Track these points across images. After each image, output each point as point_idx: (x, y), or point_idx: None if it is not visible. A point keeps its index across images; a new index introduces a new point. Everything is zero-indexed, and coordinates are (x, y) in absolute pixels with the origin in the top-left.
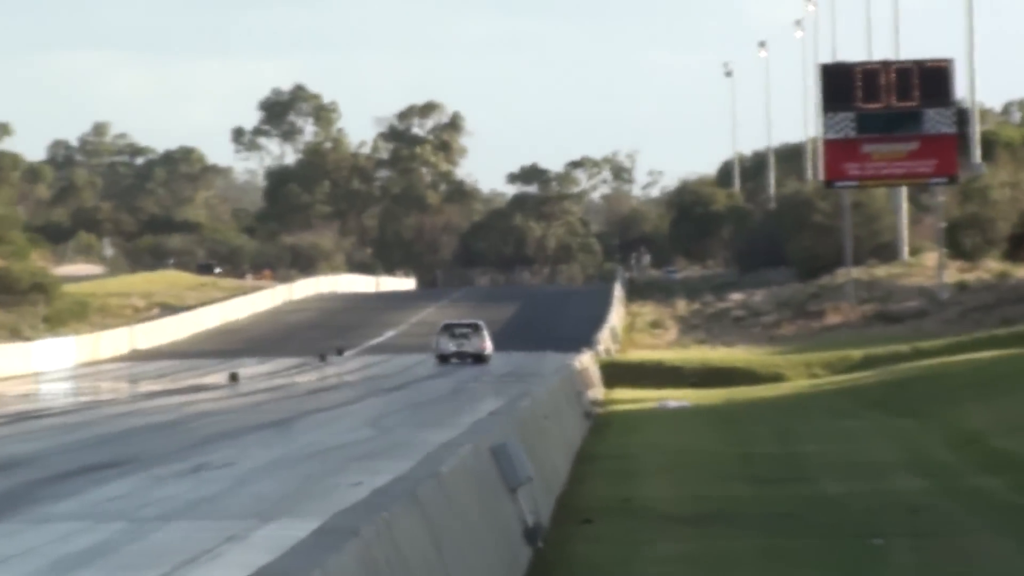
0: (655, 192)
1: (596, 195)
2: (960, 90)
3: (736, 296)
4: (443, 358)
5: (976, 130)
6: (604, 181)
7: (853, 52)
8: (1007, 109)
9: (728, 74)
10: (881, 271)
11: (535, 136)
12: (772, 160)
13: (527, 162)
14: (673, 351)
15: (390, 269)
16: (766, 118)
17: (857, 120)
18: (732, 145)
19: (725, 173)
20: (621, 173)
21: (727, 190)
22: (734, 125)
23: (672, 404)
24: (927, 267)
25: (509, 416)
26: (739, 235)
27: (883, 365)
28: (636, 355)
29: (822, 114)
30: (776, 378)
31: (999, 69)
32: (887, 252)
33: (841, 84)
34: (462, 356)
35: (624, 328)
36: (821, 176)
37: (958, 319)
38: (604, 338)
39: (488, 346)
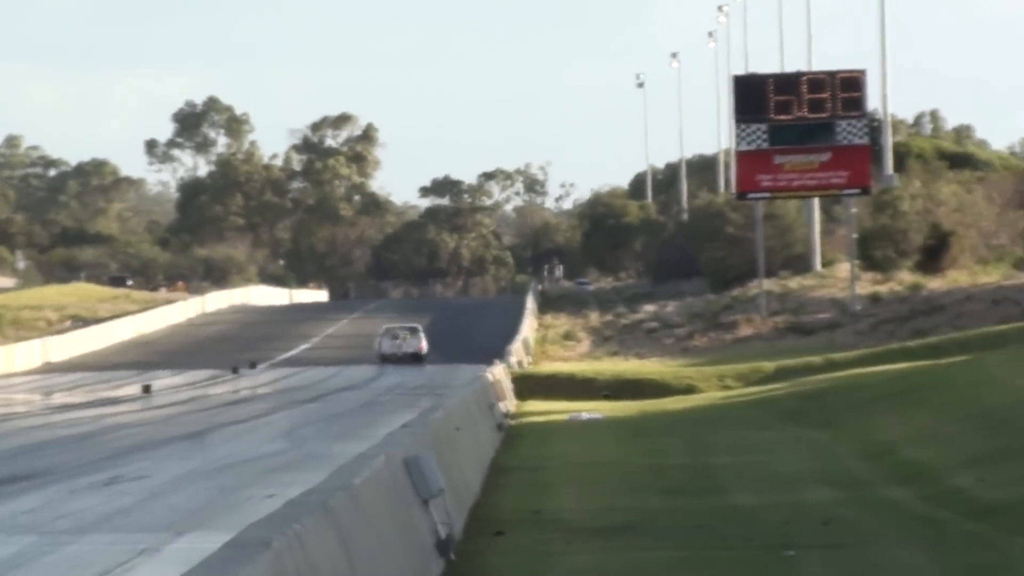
0: (568, 204)
1: (509, 207)
2: (873, 101)
3: (649, 308)
4: (384, 358)
5: (889, 141)
6: (517, 193)
7: (766, 63)
8: (918, 120)
9: (640, 85)
10: (794, 283)
11: (448, 148)
12: (684, 172)
13: (440, 174)
14: (586, 363)
15: (303, 281)
16: (679, 130)
17: (769, 131)
18: (645, 157)
19: (638, 185)
20: (534, 185)
21: (640, 202)
22: (647, 137)
23: (584, 416)
24: (840, 279)
25: (422, 428)
26: (652, 247)
27: (796, 377)
28: (549, 367)
29: (735, 125)
30: (689, 390)
31: (911, 80)
32: (800, 264)
33: (753, 95)
34: (402, 356)
35: (537, 340)
36: (734, 188)
37: (870, 331)
38: (517, 350)
39: (424, 346)
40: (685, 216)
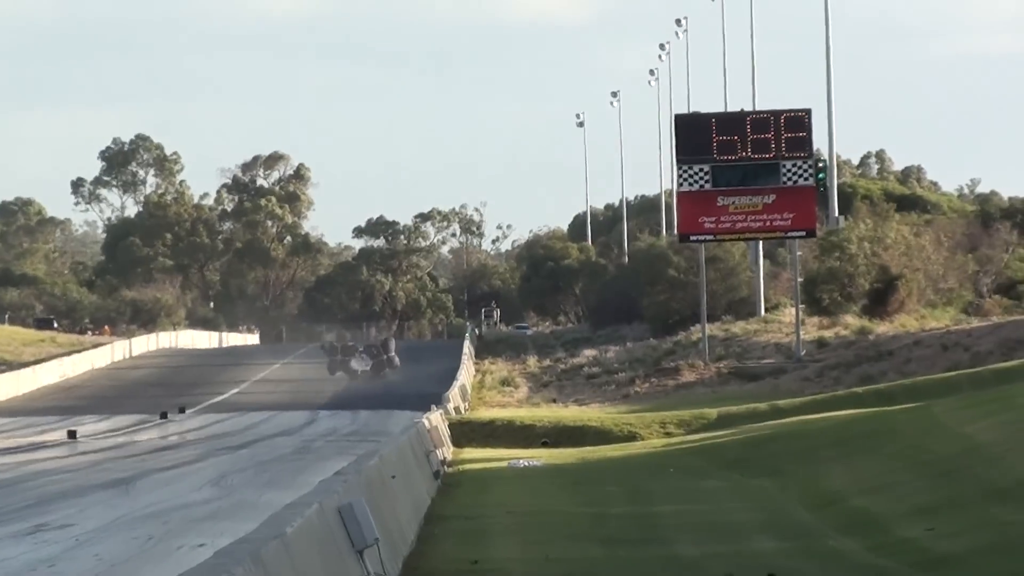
0: (506, 246)
1: (445, 249)
2: (818, 141)
3: (589, 353)
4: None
5: (835, 183)
6: (453, 234)
7: (709, 103)
8: (864, 161)
9: (580, 124)
10: (738, 327)
11: (382, 188)
12: (626, 213)
13: (374, 214)
14: (524, 409)
15: (233, 324)
16: (620, 170)
17: (712, 172)
18: (585, 198)
19: (578, 227)
20: (470, 226)
21: (579, 244)
22: (587, 177)
23: (523, 463)
24: (785, 323)
25: (356, 476)
26: (592, 290)
27: (740, 424)
28: (486, 413)
29: (676, 166)
30: (630, 437)
31: (857, 120)
32: (744, 308)
33: (696, 135)
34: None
35: (474, 386)
36: (676, 230)
37: (817, 377)
38: (454, 396)
39: (397, 361)
40: (626, 259)
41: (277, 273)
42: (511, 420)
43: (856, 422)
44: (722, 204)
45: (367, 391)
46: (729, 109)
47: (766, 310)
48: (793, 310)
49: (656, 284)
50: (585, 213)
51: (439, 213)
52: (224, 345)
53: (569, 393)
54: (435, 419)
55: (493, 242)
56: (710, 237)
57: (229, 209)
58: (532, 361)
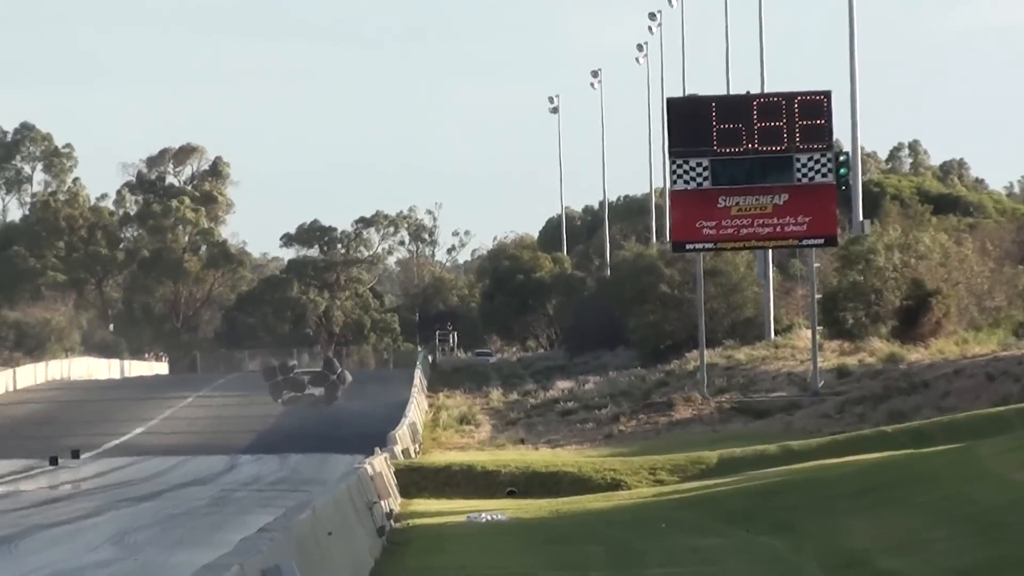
0: (464, 256)
1: (392, 260)
2: (839, 131)
3: (564, 384)
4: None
5: (859, 180)
6: (401, 243)
7: (708, 84)
8: (895, 154)
9: (554, 111)
10: (742, 353)
11: (316, 187)
12: (608, 217)
13: (306, 219)
14: (487, 453)
15: (138, 351)
16: (601, 165)
17: (712, 167)
18: (559, 199)
19: (551, 233)
20: (421, 233)
21: (553, 254)
22: (561, 174)
23: (485, 517)
24: (799, 348)
25: (284, 533)
26: (568, 309)
27: (745, 469)
28: (441, 457)
29: (669, 160)
30: (613, 485)
31: (885, 105)
32: (750, 330)
33: (692, 123)
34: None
35: (426, 424)
36: (669, 237)
37: (837, 413)
38: (402, 436)
39: (348, 376)
40: (608, 272)
41: (190, 289)
42: (471, 465)
43: (884, 467)
44: (724, 206)
45: (297, 430)
46: (733, 92)
47: (776, 333)
48: (809, 333)
49: (644, 302)
50: (559, 217)
51: (384, 217)
52: (127, 376)
53: (540, 433)
54: (379, 464)
55: (449, 252)
56: (709, 245)
57: (132, 212)
58: (496, 394)
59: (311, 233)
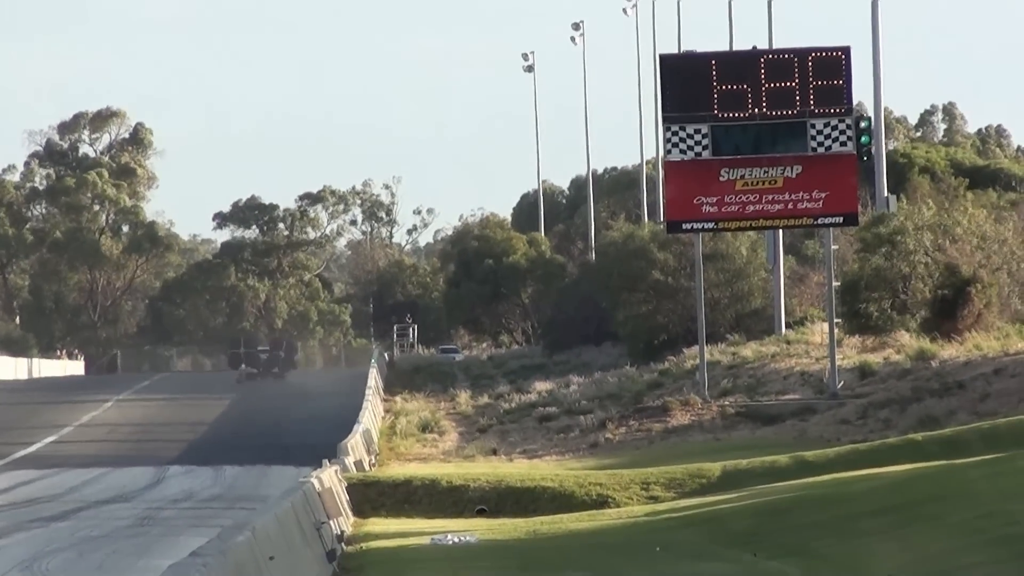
0: (425, 238)
1: (343, 243)
2: (860, 92)
3: (542, 386)
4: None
5: (883, 149)
6: (353, 222)
7: (707, 39)
8: (926, 119)
9: (529, 69)
10: (749, 350)
11: (255, 159)
12: (592, 192)
13: (243, 195)
14: (453, 465)
15: (48, 347)
16: (583, 132)
17: (713, 135)
18: (536, 172)
19: (526, 211)
20: (377, 211)
21: (528, 235)
22: (538, 142)
23: (452, 539)
24: (814, 344)
25: (219, 557)
26: (546, 299)
27: (752, 484)
28: (400, 470)
29: (663, 127)
30: (600, 502)
31: (914, 63)
32: (757, 323)
33: (690, 83)
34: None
35: (383, 432)
36: (663, 215)
37: (858, 418)
38: (354, 446)
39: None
40: (593, 255)
41: (109, 276)
42: (434, 479)
43: (913, 482)
44: (726, 179)
45: (234, 439)
46: (736, 47)
47: (788, 326)
48: (825, 326)
49: (635, 291)
50: (536, 192)
51: (333, 193)
52: (35, 376)
53: (515, 442)
54: (329, 478)
55: (409, 233)
56: (710, 225)
57: (41, 187)
58: (464, 397)
59: (248, 211)
